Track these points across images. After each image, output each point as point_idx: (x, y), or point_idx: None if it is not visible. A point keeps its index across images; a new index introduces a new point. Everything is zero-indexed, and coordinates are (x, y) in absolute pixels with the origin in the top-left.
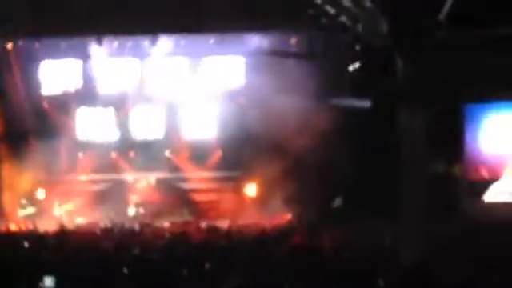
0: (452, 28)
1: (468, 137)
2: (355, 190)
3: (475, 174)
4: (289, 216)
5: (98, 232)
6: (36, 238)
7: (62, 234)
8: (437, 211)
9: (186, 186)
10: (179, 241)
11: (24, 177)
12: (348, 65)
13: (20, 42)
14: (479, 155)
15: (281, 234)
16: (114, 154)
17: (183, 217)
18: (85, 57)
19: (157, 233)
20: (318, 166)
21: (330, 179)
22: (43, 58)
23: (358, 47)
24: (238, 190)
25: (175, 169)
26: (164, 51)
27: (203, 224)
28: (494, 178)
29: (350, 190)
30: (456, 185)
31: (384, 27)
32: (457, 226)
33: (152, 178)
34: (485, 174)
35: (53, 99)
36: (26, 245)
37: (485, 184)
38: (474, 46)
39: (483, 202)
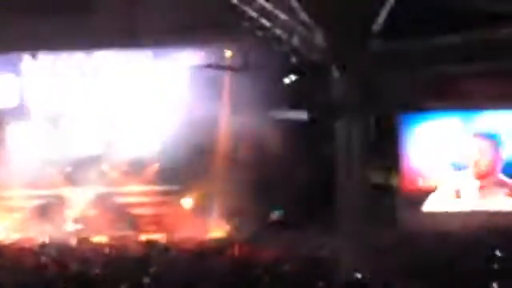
0: (387, 39)
1: (403, 147)
2: (294, 201)
3: (411, 185)
4: (228, 228)
5: (35, 248)
6: None
7: None
8: (374, 221)
9: (124, 200)
10: (117, 255)
11: None
12: (284, 77)
13: None
14: (415, 165)
15: (219, 247)
16: (51, 169)
17: (122, 231)
18: (19, 72)
19: (95, 248)
20: (257, 179)
21: (269, 191)
22: None
23: (293, 60)
24: (176, 204)
25: (113, 183)
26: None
27: (142, 238)
28: (430, 189)
29: (289, 202)
30: (393, 195)
31: (319, 40)
32: (394, 236)
33: (90, 192)
34: (421, 184)
35: None
36: None
37: (422, 194)
38: (408, 56)
39: (421, 211)
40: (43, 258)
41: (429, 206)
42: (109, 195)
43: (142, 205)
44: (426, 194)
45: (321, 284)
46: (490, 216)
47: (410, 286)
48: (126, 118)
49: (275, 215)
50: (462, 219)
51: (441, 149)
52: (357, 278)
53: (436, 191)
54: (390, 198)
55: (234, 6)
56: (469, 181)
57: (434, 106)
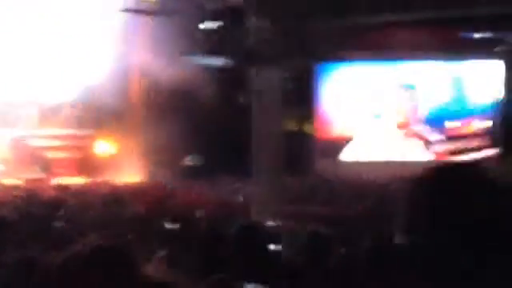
0: None
1: (319, 96)
2: (210, 148)
3: (328, 134)
4: (144, 173)
5: None
6: None
7: None
8: (289, 169)
9: (38, 143)
10: (28, 198)
11: None
12: (203, 23)
13: None
14: (332, 115)
15: (135, 192)
16: None
17: (35, 174)
18: None
19: (7, 190)
20: (174, 124)
21: (184, 137)
22: None
23: (213, 5)
24: (92, 148)
25: (29, 126)
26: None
27: (55, 181)
28: (347, 138)
29: (206, 149)
30: (309, 143)
31: None
32: (309, 184)
33: (7, 135)
34: (338, 133)
35: None
36: None
37: (338, 143)
38: (329, 6)
39: (336, 160)
40: None
41: (345, 155)
42: (23, 138)
43: (58, 148)
44: (343, 143)
45: (232, 229)
46: (407, 166)
47: (321, 232)
48: (47, 62)
49: (190, 161)
50: (379, 169)
51: (359, 99)
52: (268, 224)
53: (353, 140)
54: (306, 146)
55: None
56: (386, 131)
57: (353, 56)
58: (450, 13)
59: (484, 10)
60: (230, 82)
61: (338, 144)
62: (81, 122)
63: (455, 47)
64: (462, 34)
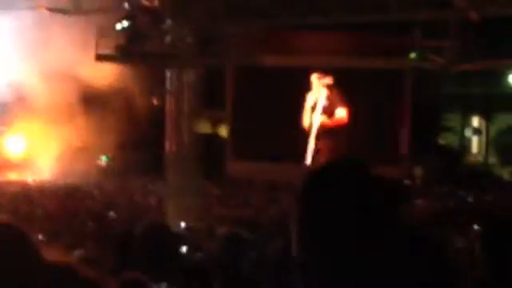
0: None
1: (234, 99)
2: (125, 149)
3: (242, 136)
4: (55, 172)
5: None
6: None
7: None
8: (203, 171)
9: None
10: None
11: None
12: (116, 23)
13: None
14: (245, 117)
15: (45, 190)
16: None
17: None
18: None
19: None
20: (88, 125)
21: (99, 138)
22: None
23: (127, 6)
24: (2, 145)
25: None
26: None
27: None
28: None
29: (119, 149)
30: (223, 146)
31: None
32: (223, 185)
33: None
34: (251, 135)
35: None
36: None
37: (252, 145)
38: (245, 8)
39: (247, 163)
40: None
41: (261, 157)
42: None
43: None
44: (258, 145)
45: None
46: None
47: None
48: None
49: (102, 162)
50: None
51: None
52: (161, 223)
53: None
54: (221, 148)
55: None
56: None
57: (269, 60)
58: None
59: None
60: (146, 82)
61: (254, 146)
62: None
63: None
64: (375, 39)
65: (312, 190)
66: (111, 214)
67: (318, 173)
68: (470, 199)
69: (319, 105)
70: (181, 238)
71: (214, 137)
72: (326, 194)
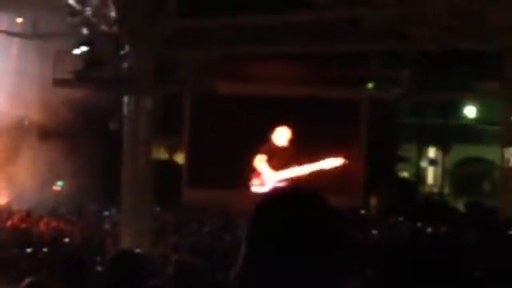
0: (181, 17)
1: (190, 125)
2: (80, 174)
3: (197, 163)
4: (10, 197)
5: None
6: None
7: None
8: (158, 198)
9: None
10: None
11: None
12: (75, 48)
13: None
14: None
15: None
16: None
17: None
18: None
19: None
20: (44, 150)
21: (55, 163)
22: None
23: (85, 31)
24: None
25: None
26: None
27: None
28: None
29: (75, 175)
30: (178, 173)
31: (112, 12)
32: (177, 213)
33: None
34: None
35: None
36: None
37: (206, 173)
38: (201, 35)
39: (202, 190)
40: None
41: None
42: None
43: None
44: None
45: (98, 258)
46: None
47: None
48: None
49: (57, 187)
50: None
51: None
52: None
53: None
54: (176, 175)
55: None
56: None
57: (225, 88)
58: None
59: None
60: (103, 108)
61: (209, 173)
62: None
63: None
64: (332, 69)
65: (265, 213)
66: (65, 239)
67: (273, 197)
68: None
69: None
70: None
71: (170, 163)
72: (278, 217)
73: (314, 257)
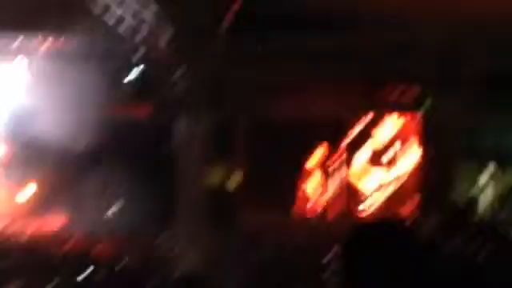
0: (236, 40)
1: (245, 149)
2: (135, 198)
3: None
4: (66, 221)
5: None
6: None
7: None
8: (214, 222)
9: None
10: None
11: None
12: (129, 71)
13: None
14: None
15: (57, 239)
16: None
17: None
18: None
19: None
20: (96, 174)
21: (108, 186)
22: None
23: (140, 53)
24: (12, 195)
25: None
26: None
27: None
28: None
29: (129, 199)
30: (234, 197)
31: (168, 33)
32: (234, 237)
33: None
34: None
35: None
36: None
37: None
38: (257, 59)
39: (260, 215)
40: None
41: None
42: None
43: None
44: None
45: (157, 281)
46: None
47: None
48: None
49: (114, 210)
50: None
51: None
52: (191, 277)
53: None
54: (232, 199)
55: None
56: None
57: (277, 111)
58: None
59: None
60: (155, 131)
61: (265, 198)
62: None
63: None
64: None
65: (356, 247)
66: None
67: (363, 230)
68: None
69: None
70: None
71: (224, 188)
72: (369, 252)
73: None
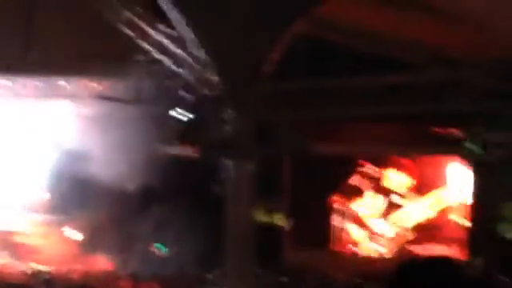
0: (280, 80)
1: (291, 187)
2: (181, 240)
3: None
4: (113, 262)
5: None
6: None
7: None
8: (262, 260)
9: (8, 227)
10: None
11: None
12: (175, 113)
13: None
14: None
15: (104, 280)
16: None
17: (3, 259)
18: None
19: None
20: (143, 214)
21: (155, 228)
22: None
23: (187, 95)
24: (63, 235)
25: None
26: None
27: (25, 267)
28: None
29: (175, 240)
30: (280, 233)
31: (214, 76)
32: (282, 274)
33: None
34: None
35: None
36: None
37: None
38: (300, 97)
39: (307, 251)
40: None
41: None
42: None
43: (27, 234)
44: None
45: None
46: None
47: None
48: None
49: (159, 252)
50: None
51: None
52: None
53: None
54: (278, 235)
55: (128, 38)
56: None
57: (323, 149)
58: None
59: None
60: (202, 172)
61: (311, 235)
62: (53, 209)
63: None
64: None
65: (402, 283)
66: None
67: (409, 267)
68: None
69: None
70: None
71: (271, 225)
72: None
73: None
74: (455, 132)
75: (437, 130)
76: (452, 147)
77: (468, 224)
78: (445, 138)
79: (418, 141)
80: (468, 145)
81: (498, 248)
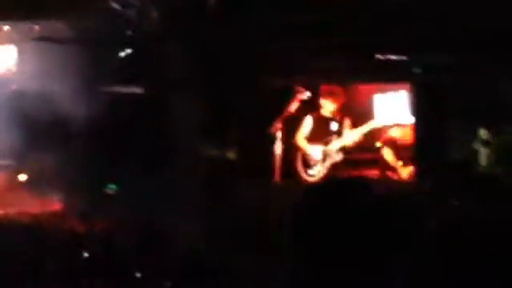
0: (229, 13)
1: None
2: (129, 177)
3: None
4: (63, 202)
5: None
6: None
7: None
8: (212, 197)
9: None
10: None
11: None
12: (119, 51)
13: None
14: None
15: (55, 220)
16: None
17: None
18: None
19: None
20: (92, 154)
21: (104, 166)
22: None
23: (129, 32)
24: (9, 178)
25: None
26: None
27: None
28: None
29: (124, 178)
30: (232, 170)
31: (156, 11)
32: (232, 211)
33: None
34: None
35: None
36: None
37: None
38: (251, 31)
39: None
40: None
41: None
42: None
43: None
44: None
45: (155, 257)
46: None
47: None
48: None
49: (109, 190)
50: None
51: None
52: (192, 252)
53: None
54: (229, 172)
55: None
56: None
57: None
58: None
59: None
60: (149, 111)
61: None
62: None
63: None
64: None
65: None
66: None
67: (321, 188)
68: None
69: None
70: None
71: (220, 159)
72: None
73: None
74: (397, 58)
75: (378, 57)
76: (395, 72)
77: (413, 146)
78: (387, 63)
79: (360, 69)
80: (411, 68)
81: (446, 171)
